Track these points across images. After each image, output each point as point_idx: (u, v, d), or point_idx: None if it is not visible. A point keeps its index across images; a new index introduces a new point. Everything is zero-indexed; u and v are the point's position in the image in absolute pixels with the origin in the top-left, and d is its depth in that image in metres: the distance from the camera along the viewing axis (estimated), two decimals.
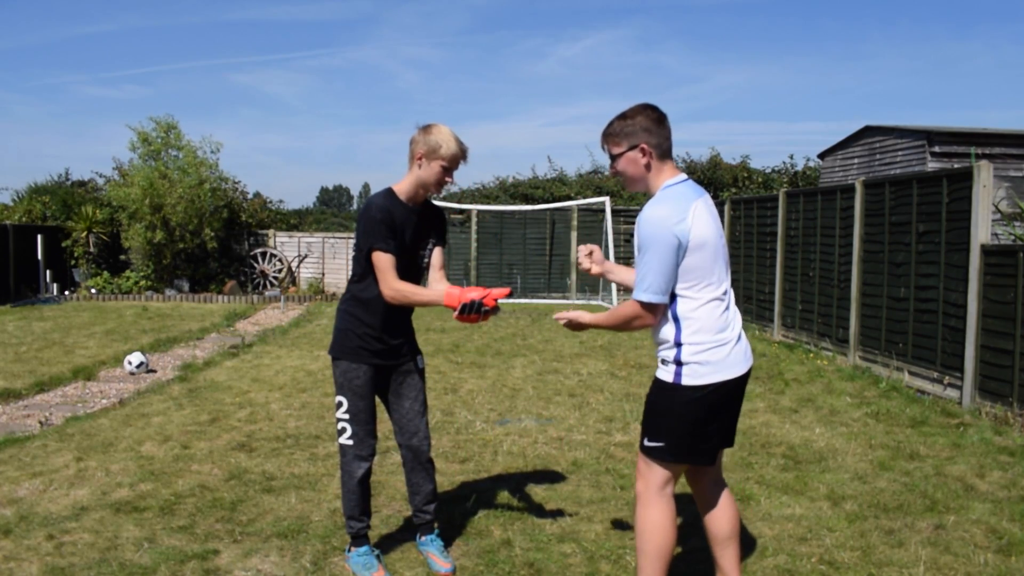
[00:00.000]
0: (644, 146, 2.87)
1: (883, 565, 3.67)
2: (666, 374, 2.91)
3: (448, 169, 3.44)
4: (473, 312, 3.23)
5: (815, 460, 5.27)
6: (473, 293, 3.24)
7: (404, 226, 3.49)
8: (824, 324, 9.72)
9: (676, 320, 2.87)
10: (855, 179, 11.48)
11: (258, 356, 9.49)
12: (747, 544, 3.88)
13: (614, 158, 2.94)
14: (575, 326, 3.10)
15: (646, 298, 2.80)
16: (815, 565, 3.67)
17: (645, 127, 2.87)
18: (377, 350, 3.57)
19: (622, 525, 4.12)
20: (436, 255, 3.68)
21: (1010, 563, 3.68)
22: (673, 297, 2.85)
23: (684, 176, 2.93)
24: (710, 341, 2.86)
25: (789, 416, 6.51)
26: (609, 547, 3.85)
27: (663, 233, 2.76)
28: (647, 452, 2.97)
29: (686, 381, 2.86)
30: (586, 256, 3.33)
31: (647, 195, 2.97)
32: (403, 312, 3.61)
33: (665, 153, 2.92)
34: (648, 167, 2.90)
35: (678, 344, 2.86)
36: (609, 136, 2.94)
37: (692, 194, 2.88)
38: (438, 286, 3.57)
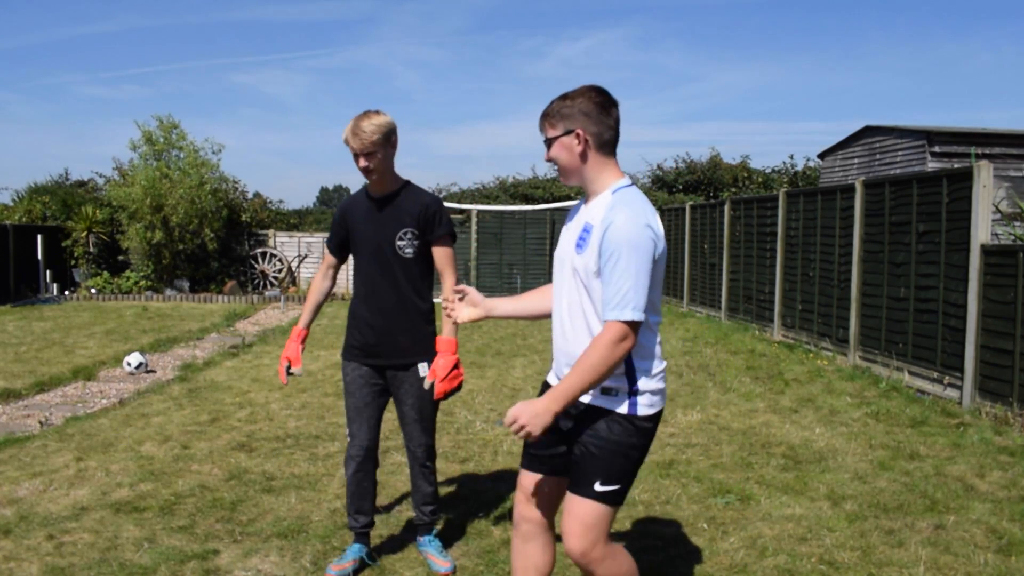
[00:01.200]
0: (580, 131, 2.52)
1: (883, 565, 3.67)
2: (619, 405, 2.51)
3: (356, 155, 3.38)
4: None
5: (815, 460, 5.27)
6: (295, 367, 3.62)
7: (361, 219, 3.54)
8: (824, 324, 9.72)
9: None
10: (855, 179, 11.48)
11: (258, 356, 9.49)
12: (747, 544, 3.89)
13: (549, 142, 2.58)
14: (541, 423, 2.43)
15: (636, 316, 2.38)
16: (815, 565, 3.67)
17: (585, 111, 2.52)
18: (362, 346, 3.56)
19: (622, 525, 4.12)
20: (437, 256, 3.57)
21: (1010, 563, 3.68)
22: None
23: (630, 180, 2.61)
24: (658, 366, 2.57)
25: (789, 416, 6.51)
26: None
27: (645, 238, 2.41)
28: (599, 498, 2.51)
29: (642, 412, 2.52)
30: (453, 302, 2.87)
31: (580, 192, 2.65)
32: (389, 310, 3.52)
33: (606, 145, 2.56)
34: (584, 157, 2.54)
35: (631, 371, 2.52)
36: (546, 116, 2.58)
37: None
38: (445, 284, 3.51)
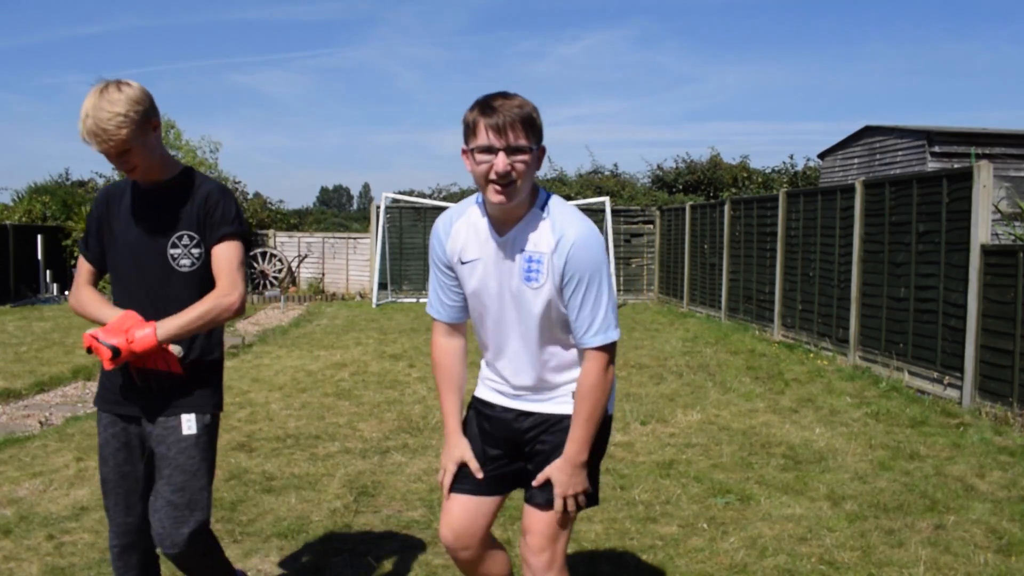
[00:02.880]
0: (544, 146, 2.31)
1: (883, 565, 3.67)
2: None
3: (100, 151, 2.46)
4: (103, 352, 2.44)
5: (815, 460, 5.27)
6: (114, 339, 2.43)
7: (123, 217, 2.62)
8: (824, 324, 9.72)
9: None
10: (855, 179, 11.48)
11: (258, 356, 9.49)
12: (747, 544, 3.89)
13: (529, 150, 2.19)
14: (583, 478, 2.34)
15: (618, 333, 2.32)
16: (815, 565, 3.67)
17: (541, 123, 2.29)
18: (115, 387, 2.60)
19: (622, 525, 4.12)
20: (215, 257, 2.58)
21: (1010, 563, 3.68)
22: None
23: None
24: None
25: (789, 416, 6.51)
26: (609, 547, 3.85)
27: (603, 250, 2.31)
28: (584, 505, 2.40)
29: (610, 410, 2.44)
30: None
31: (511, 216, 2.29)
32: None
33: None
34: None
35: None
36: (536, 126, 2.23)
37: None
38: (225, 297, 2.53)
